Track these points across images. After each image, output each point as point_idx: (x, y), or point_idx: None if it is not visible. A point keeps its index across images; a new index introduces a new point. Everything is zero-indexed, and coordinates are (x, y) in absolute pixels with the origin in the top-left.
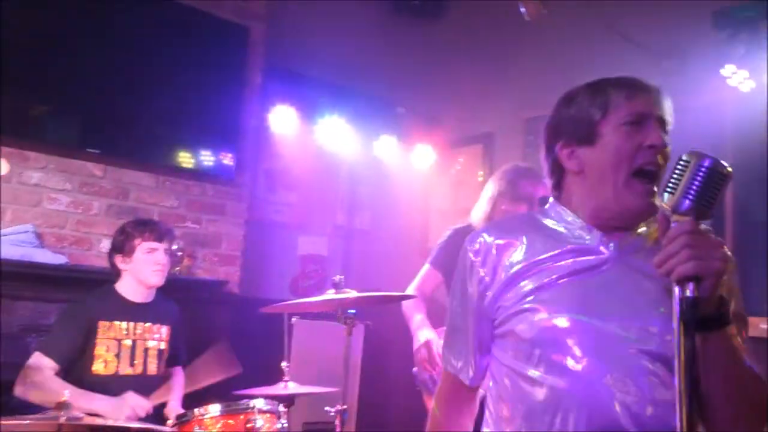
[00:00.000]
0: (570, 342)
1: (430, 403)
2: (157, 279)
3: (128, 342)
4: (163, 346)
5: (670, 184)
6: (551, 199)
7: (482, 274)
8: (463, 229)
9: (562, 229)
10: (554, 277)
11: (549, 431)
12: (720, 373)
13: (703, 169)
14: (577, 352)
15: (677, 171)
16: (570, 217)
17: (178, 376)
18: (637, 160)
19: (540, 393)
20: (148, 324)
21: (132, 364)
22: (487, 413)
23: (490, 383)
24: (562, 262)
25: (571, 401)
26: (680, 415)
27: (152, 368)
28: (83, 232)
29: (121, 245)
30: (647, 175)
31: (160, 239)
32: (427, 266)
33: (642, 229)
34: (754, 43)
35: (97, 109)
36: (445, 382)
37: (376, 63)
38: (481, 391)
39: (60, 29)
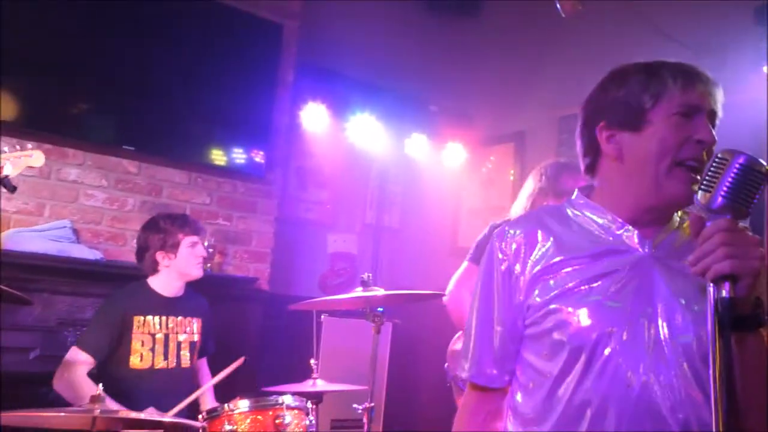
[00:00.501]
0: (607, 344)
1: (461, 401)
2: (200, 271)
3: (161, 336)
4: (195, 338)
5: (705, 182)
6: (576, 192)
7: (512, 270)
8: (501, 224)
9: (595, 225)
10: (589, 276)
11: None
12: (754, 374)
13: (737, 166)
14: (615, 354)
15: (712, 168)
16: (603, 215)
17: (205, 367)
18: (682, 153)
19: (575, 396)
20: (179, 318)
21: (166, 358)
22: (510, 417)
23: (519, 395)
24: (597, 262)
25: (609, 404)
26: (716, 416)
27: (185, 361)
28: (118, 228)
29: (163, 242)
30: (690, 168)
31: (198, 232)
32: (466, 263)
33: (674, 225)
34: None
35: (133, 106)
36: (471, 392)
37: (408, 61)
38: None
39: (99, 28)
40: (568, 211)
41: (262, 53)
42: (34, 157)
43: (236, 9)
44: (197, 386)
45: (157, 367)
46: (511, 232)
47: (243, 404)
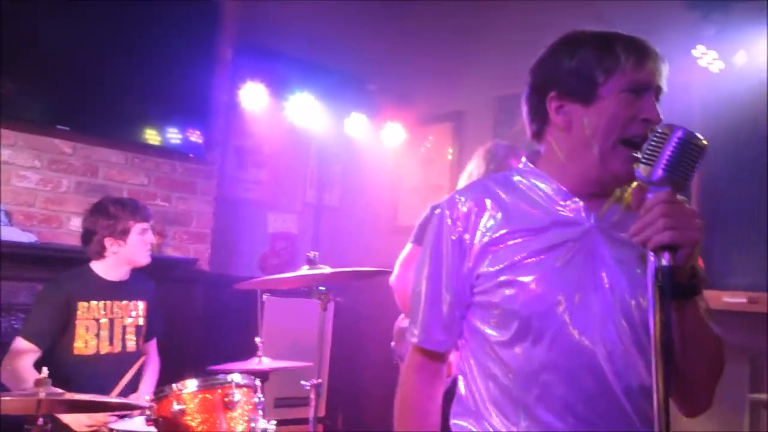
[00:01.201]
0: (556, 314)
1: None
2: (148, 258)
3: (105, 321)
4: (141, 322)
5: (646, 155)
6: (524, 160)
7: (462, 238)
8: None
9: (541, 194)
10: (537, 248)
11: (536, 402)
12: (692, 340)
13: (676, 141)
14: (563, 323)
15: (653, 142)
16: (549, 183)
17: (153, 350)
18: (628, 131)
19: (526, 364)
20: (124, 302)
21: (111, 343)
22: (461, 386)
23: (471, 361)
24: (545, 234)
25: (558, 372)
26: (656, 381)
27: (131, 345)
28: (52, 210)
29: (113, 228)
30: (634, 145)
31: (148, 219)
32: (410, 246)
33: (616, 196)
34: (725, 24)
35: (66, 85)
36: (417, 356)
37: (347, 40)
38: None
39: (27, 4)
40: (515, 179)
41: (200, 30)
42: None
43: None
44: (144, 370)
45: (102, 353)
46: (462, 199)
47: (191, 384)
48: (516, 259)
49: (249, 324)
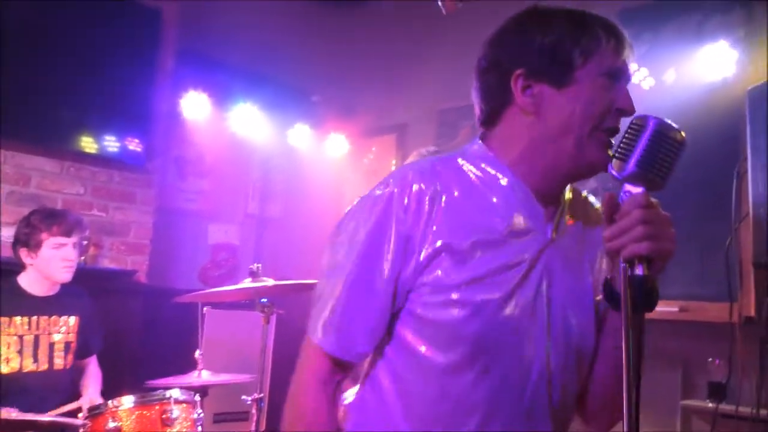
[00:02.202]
0: (510, 343)
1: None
2: (66, 275)
3: (30, 337)
4: (71, 338)
5: (620, 149)
6: (479, 142)
7: (410, 234)
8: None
9: (496, 193)
10: (494, 266)
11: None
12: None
13: (650, 132)
14: (517, 355)
15: (627, 135)
16: (505, 176)
17: (92, 366)
18: (605, 121)
19: (470, 393)
20: (52, 317)
21: (36, 360)
22: (367, 397)
23: (388, 375)
24: (501, 248)
25: (505, 406)
26: (628, 397)
27: (59, 363)
28: None
29: (27, 239)
30: (609, 133)
31: (68, 233)
32: None
33: (565, 205)
34: (655, 43)
35: None
36: (323, 363)
37: (291, 50)
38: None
39: None
40: (462, 164)
41: (140, 38)
42: None
43: None
44: (83, 387)
45: (25, 371)
46: (416, 186)
47: (127, 400)
48: (470, 276)
49: (189, 337)
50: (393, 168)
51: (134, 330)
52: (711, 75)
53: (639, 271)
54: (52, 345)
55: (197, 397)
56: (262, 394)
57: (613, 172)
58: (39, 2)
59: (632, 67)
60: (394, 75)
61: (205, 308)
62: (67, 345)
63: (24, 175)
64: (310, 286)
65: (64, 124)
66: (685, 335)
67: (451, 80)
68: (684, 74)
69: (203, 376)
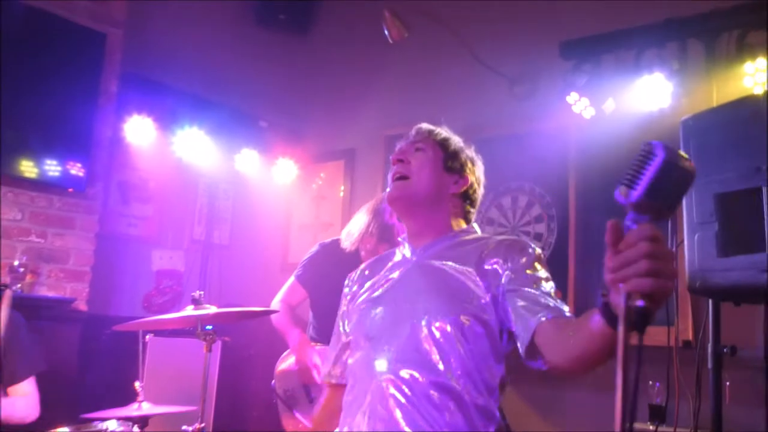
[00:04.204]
0: (364, 332)
1: (286, 420)
2: None
3: None
4: None
5: (627, 176)
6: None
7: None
8: (330, 244)
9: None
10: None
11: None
12: (587, 352)
13: (659, 160)
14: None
15: (636, 162)
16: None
17: (21, 392)
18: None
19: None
20: None
21: None
22: None
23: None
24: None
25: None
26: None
27: None
28: None
29: None
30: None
31: None
32: (292, 279)
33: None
34: (595, 73)
35: None
36: (328, 389)
37: (238, 75)
38: None
39: None
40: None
41: (84, 62)
42: None
43: (55, 15)
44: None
45: None
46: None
47: None
48: (365, 297)
49: (130, 367)
50: (341, 194)
51: (72, 360)
52: (648, 105)
53: (640, 303)
54: None
55: (136, 429)
56: (203, 424)
57: (621, 199)
58: None
59: (413, 134)
60: (342, 101)
61: (147, 336)
62: None
63: None
64: (256, 314)
65: (2, 148)
66: None
67: (398, 106)
68: (622, 104)
69: (143, 407)
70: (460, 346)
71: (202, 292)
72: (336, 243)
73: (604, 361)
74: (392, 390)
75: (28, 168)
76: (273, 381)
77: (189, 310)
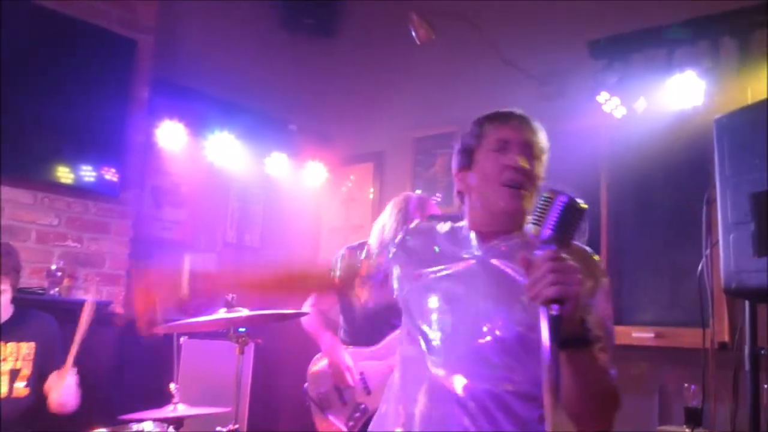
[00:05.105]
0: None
1: (320, 422)
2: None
3: None
4: (18, 365)
5: (535, 217)
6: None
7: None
8: (357, 246)
9: (451, 241)
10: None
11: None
12: (585, 385)
13: (560, 205)
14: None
15: (540, 206)
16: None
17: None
18: (502, 176)
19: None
20: None
21: None
22: None
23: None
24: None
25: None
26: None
27: (4, 390)
28: None
29: None
30: (512, 185)
31: None
32: None
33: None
34: (626, 72)
35: None
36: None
37: (267, 79)
38: None
39: None
40: (438, 231)
41: (115, 68)
42: None
43: (87, 24)
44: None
45: None
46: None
47: None
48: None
49: (165, 369)
50: (371, 196)
51: (109, 362)
52: (680, 104)
53: (554, 311)
54: None
55: (171, 430)
56: (237, 426)
57: (532, 236)
58: (13, 32)
59: (525, 132)
60: (370, 103)
61: (181, 338)
62: (13, 373)
63: None
64: (287, 316)
65: (38, 155)
66: (661, 361)
67: (427, 108)
68: (654, 103)
69: (178, 409)
70: (522, 355)
71: (234, 295)
72: (363, 245)
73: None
74: (454, 405)
75: (64, 174)
76: (306, 383)
77: (221, 313)
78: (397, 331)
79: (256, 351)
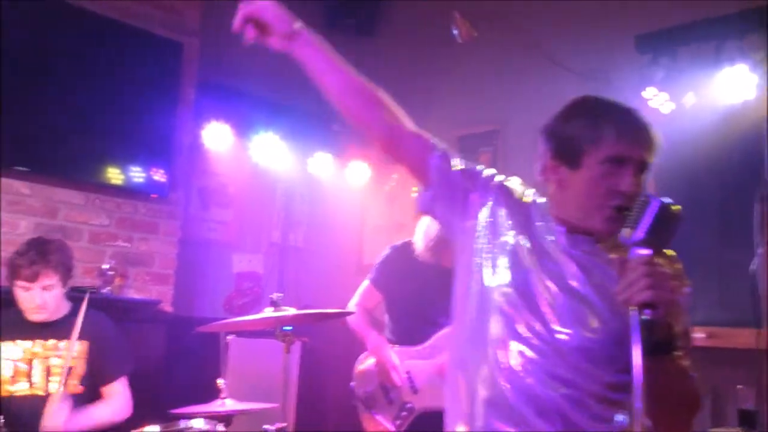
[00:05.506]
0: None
1: (366, 421)
2: (36, 316)
3: (24, 362)
4: (72, 363)
5: (629, 221)
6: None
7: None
8: (402, 246)
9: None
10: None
11: None
12: (669, 392)
13: (654, 208)
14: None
15: (635, 209)
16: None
17: (115, 393)
18: (609, 200)
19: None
20: (51, 341)
21: (31, 384)
22: None
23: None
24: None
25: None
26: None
27: (55, 387)
28: (10, 252)
29: (7, 275)
30: (620, 209)
31: (33, 278)
32: (366, 283)
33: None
34: (673, 67)
35: (24, 125)
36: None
37: (311, 79)
38: None
39: None
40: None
41: (162, 71)
42: None
43: (134, 27)
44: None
45: (20, 394)
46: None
47: (152, 430)
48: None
49: (213, 367)
50: (414, 194)
51: (158, 359)
52: (730, 98)
53: (646, 315)
54: (48, 369)
55: (221, 427)
56: (284, 423)
57: (625, 239)
58: (63, 38)
59: (645, 150)
60: (412, 102)
61: (228, 336)
62: (68, 370)
63: (51, 207)
64: (333, 315)
65: (89, 157)
66: (713, 362)
67: (468, 106)
68: (703, 98)
69: (227, 404)
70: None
71: (281, 295)
72: (407, 245)
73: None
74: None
75: (114, 175)
76: (352, 382)
77: (268, 312)
78: (444, 331)
79: (302, 350)
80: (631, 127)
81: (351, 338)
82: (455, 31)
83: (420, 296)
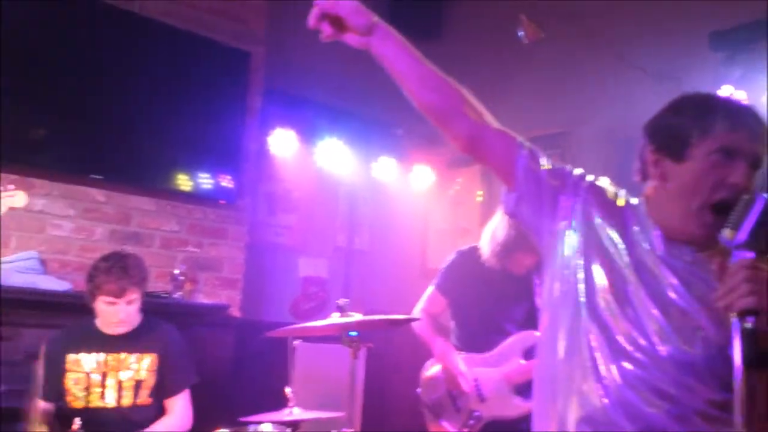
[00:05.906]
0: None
1: (434, 429)
2: (117, 330)
3: (97, 374)
4: (143, 376)
5: (731, 220)
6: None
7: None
8: (468, 251)
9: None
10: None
11: None
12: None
13: (760, 207)
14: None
15: (738, 209)
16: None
17: (175, 406)
18: (715, 194)
19: None
20: (122, 355)
21: (103, 397)
22: None
23: None
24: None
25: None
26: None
27: (127, 401)
28: (87, 258)
29: (87, 288)
30: (721, 210)
31: (119, 294)
32: (432, 289)
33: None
34: (751, 65)
35: (99, 134)
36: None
37: (373, 85)
38: None
39: (61, 54)
40: (632, 218)
41: (230, 80)
42: (17, 197)
43: (203, 37)
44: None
45: (92, 407)
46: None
47: None
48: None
49: (280, 371)
50: (478, 199)
51: (227, 364)
52: None
53: (748, 323)
54: (120, 382)
55: None
56: (352, 430)
57: (726, 240)
58: (136, 50)
59: (757, 146)
60: (480, 104)
61: (295, 342)
62: (138, 383)
63: (125, 214)
64: (400, 322)
65: (160, 164)
66: None
67: (537, 108)
68: None
69: (294, 412)
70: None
71: (347, 300)
72: (473, 250)
73: None
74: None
75: (183, 182)
76: (419, 389)
77: (335, 318)
78: (512, 338)
79: (368, 355)
80: (748, 120)
81: (416, 344)
82: (521, 33)
83: (486, 302)
